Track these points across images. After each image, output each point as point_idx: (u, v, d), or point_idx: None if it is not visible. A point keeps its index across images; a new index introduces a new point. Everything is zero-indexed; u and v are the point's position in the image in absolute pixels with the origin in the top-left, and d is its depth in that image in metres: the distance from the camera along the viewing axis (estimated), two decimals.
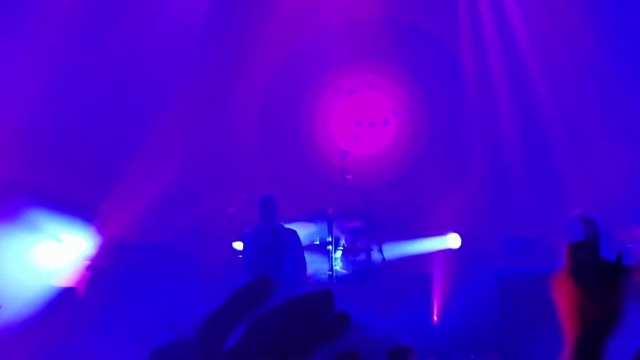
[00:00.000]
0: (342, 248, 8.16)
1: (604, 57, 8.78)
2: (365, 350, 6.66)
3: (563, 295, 1.18)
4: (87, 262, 8.01)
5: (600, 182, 8.52)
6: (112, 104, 8.90)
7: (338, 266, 8.00)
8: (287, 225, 7.71)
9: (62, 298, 7.43)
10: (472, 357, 7.06)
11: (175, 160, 8.83)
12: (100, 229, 8.18)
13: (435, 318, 7.73)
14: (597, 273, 1.17)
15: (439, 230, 8.61)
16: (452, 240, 8.50)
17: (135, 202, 8.40)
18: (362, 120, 10.06)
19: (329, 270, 7.60)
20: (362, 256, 8.40)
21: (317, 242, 8.04)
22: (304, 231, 8.40)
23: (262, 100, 9.73)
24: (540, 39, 9.23)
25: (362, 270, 8.10)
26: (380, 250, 8.17)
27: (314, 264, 7.83)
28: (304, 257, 6.71)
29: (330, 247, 7.69)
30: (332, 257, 7.68)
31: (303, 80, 9.85)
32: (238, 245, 8.11)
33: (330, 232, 7.86)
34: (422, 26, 9.59)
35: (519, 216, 8.63)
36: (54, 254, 8.04)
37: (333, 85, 9.93)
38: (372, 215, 8.48)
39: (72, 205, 7.95)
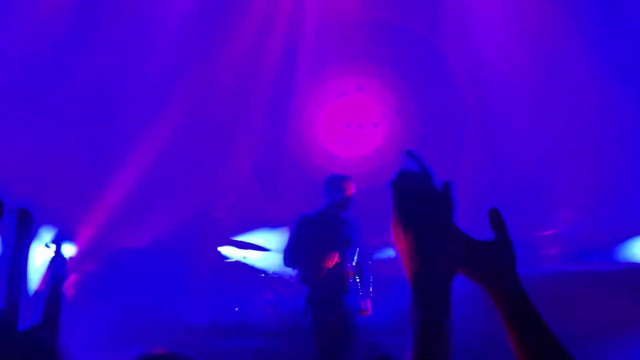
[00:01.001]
0: None
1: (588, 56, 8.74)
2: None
3: (396, 236, 1.16)
4: (73, 267, 7.95)
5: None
6: (95, 107, 8.84)
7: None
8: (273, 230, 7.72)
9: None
10: None
11: (161, 163, 8.78)
12: (84, 234, 8.12)
13: None
14: (419, 202, 1.15)
15: None
16: None
17: (118, 206, 8.34)
18: (352, 123, 10.02)
19: None
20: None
21: None
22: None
23: (249, 102, 9.67)
24: (528, 39, 9.18)
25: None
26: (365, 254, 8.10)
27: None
28: None
29: None
30: None
31: (292, 82, 9.79)
32: (224, 250, 8.08)
33: None
34: (412, 29, 9.53)
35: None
36: (41, 258, 7.97)
37: (323, 88, 9.88)
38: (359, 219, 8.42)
39: (55, 210, 7.89)
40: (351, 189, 5.50)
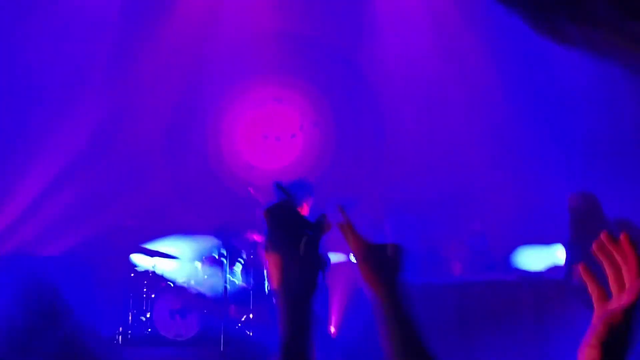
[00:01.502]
0: (242, 261, 8.08)
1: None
2: None
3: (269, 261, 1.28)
4: None
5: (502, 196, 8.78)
6: (6, 109, 8.55)
7: (237, 280, 7.91)
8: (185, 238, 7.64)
9: None
10: None
11: (74, 170, 8.56)
12: None
13: (332, 330, 7.73)
14: (286, 232, 1.27)
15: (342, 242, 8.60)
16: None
17: (27, 213, 8.06)
18: (269, 134, 10.05)
19: (225, 283, 7.49)
20: (264, 270, 8.40)
21: (216, 255, 7.94)
22: (205, 244, 8.31)
23: (166, 110, 9.54)
24: (442, 45, 9.43)
25: (262, 284, 8.03)
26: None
27: (211, 277, 7.75)
28: None
29: (224, 260, 7.59)
30: (226, 270, 7.58)
31: (210, 92, 9.73)
32: (134, 258, 7.93)
33: (225, 246, 7.78)
34: (328, 41, 9.68)
35: (425, 228, 8.75)
36: None
37: (240, 98, 9.87)
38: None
39: None
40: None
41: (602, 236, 0.98)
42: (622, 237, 0.95)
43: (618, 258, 0.97)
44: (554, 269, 7.44)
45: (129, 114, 9.23)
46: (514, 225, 8.22)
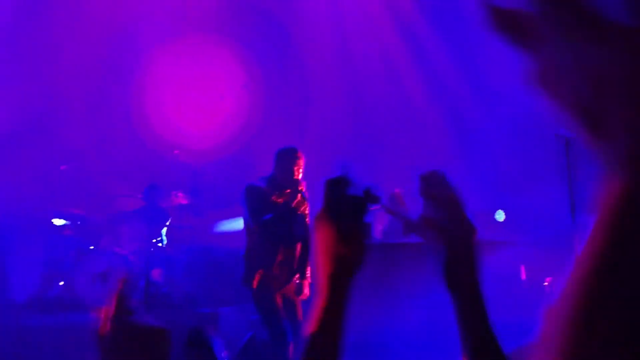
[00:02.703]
0: (167, 224, 8.00)
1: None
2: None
3: (319, 234, 1.19)
4: None
5: None
6: None
7: (162, 243, 7.84)
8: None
9: None
10: None
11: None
12: None
13: None
14: (345, 207, 1.22)
15: None
16: None
17: None
18: (200, 96, 9.88)
19: (149, 247, 7.42)
20: (187, 233, 8.37)
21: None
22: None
23: (91, 71, 9.25)
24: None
25: (185, 248, 8.00)
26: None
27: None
28: None
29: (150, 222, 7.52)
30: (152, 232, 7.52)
31: (137, 51, 9.48)
32: (58, 222, 7.73)
33: (152, 208, 7.71)
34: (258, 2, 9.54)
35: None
36: None
37: (169, 57, 9.63)
38: (200, 193, 8.40)
39: None
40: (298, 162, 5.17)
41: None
42: None
43: None
44: None
45: (60, 77, 8.93)
46: None
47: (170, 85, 9.78)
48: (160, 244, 7.75)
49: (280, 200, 5.01)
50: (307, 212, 5.18)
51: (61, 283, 7.18)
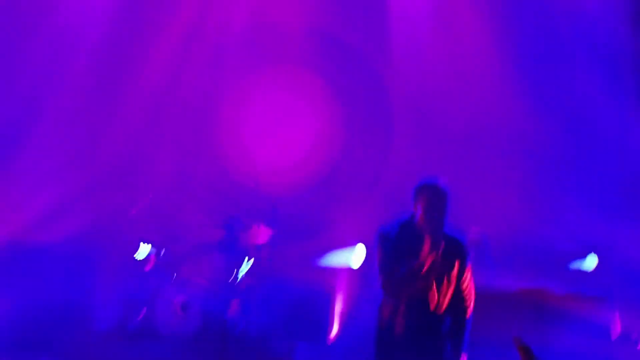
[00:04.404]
0: (247, 256, 7.98)
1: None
2: None
3: None
4: None
5: None
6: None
7: (241, 275, 7.82)
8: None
9: None
10: None
11: (73, 158, 8.50)
12: None
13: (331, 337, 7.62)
14: None
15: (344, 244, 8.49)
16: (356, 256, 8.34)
17: (27, 201, 8.01)
18: (281, 131, 9.90)
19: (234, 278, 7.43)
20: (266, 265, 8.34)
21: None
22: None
23: (171, 99, 9.41)
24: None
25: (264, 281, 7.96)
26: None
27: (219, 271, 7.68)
28: None
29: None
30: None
31: (217, 79, 9.60)
32: (140, 253, 7.81)
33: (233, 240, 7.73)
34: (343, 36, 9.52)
35: None
36: None
37: (250, 87, 9.69)
38: (280, 226, 8.37)
39: None
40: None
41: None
42: None
43: None
44: None
45: (139, 107, 9.15)
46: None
47: (252, 116, 9.84)
48: (239, 276, 7.73)
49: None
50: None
51: (142, 313, 7.25)
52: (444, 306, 4.12)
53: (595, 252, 7.81)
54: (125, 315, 7.28)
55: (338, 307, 7.67)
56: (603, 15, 8.49)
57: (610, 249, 7.62)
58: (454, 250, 4.15)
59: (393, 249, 4.13)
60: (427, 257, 4.03)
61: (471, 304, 4.23)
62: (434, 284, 4.08)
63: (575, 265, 7.82)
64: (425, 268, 4.03)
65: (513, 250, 8.05)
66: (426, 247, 4.03)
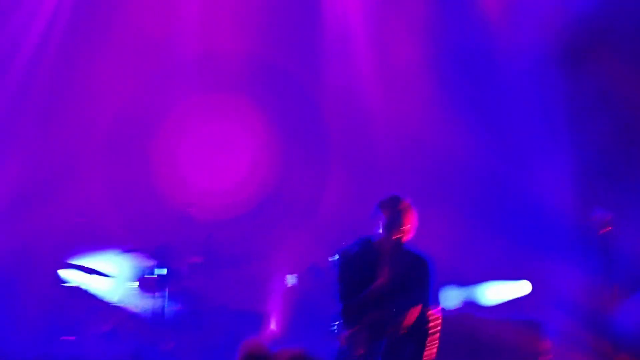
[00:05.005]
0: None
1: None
2: None
3: None
4: None
5: None
6: None
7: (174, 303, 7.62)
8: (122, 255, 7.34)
9: None
10: None
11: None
12: None
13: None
14: None
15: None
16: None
17: None
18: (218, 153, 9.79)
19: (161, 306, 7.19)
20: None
21: (151, 275, 7.63)
22: (139, 263, 7.99)
23: (112, 121, 9.21)
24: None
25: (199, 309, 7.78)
26: None
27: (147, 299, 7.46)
28: None
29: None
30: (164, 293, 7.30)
31: (154, 105, 9.45)
32: (64, 273, 7.55)
33: (162, 266, 7.51)
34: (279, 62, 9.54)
35: None
36: None
37: (186, 116, 9.58)
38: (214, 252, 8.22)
39: None
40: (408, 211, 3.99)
41: None
42: None
43: None
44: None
45: (69, 120, 8.93)
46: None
47: (188, 142, 9.69)
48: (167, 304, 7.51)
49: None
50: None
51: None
52: (407, 329, 3.81)
53: (527, 279, 7.93)
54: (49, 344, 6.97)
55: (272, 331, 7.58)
56: (532, 56, 8.71)
57: (542, 274, 7.75)
58: (416, 269, 3.92)
59: (352, 272, 3.90)
60: (388, 276, 3.80)
61: (437, 326, 3.92)
62: (396, 306, 3.81)
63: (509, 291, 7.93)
64: (387, 288, 3.79)
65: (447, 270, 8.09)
66: (387, 266, 3.82)
